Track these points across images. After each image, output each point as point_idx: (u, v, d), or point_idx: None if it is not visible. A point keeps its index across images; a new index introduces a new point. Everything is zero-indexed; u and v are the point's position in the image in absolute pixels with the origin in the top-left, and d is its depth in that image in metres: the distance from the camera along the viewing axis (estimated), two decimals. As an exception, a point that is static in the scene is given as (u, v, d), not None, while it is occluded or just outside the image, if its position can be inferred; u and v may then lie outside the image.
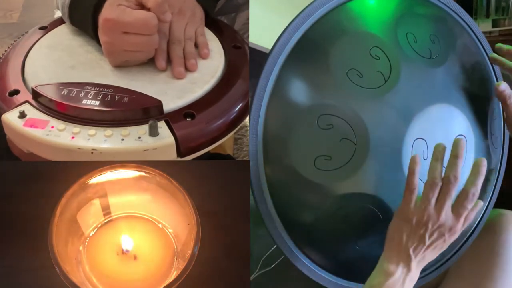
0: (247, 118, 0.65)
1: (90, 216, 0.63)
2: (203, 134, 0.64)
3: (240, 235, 0.67)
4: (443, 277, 0.79)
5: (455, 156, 0.55)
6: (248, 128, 0.61)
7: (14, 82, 0.67)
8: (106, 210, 0.64)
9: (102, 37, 0.66)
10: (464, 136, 0.65)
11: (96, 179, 0.61)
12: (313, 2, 0.63)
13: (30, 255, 0.63)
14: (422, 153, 0.62)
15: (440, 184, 0.55)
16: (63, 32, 0.76)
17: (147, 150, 0.60)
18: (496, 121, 0.72)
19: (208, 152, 0.66)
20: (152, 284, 0.60)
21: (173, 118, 0.63)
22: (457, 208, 0.56)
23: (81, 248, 0.61)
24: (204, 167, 0.71)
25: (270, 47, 0.61)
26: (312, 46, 0.62)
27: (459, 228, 0.57)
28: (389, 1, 0.66)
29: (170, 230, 0.64)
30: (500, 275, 0.71)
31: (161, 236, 0.63)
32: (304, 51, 0.61)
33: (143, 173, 0.62)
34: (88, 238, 0.62)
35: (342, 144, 0.59)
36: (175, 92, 0.66)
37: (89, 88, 0.65)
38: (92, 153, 0.59)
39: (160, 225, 0.64)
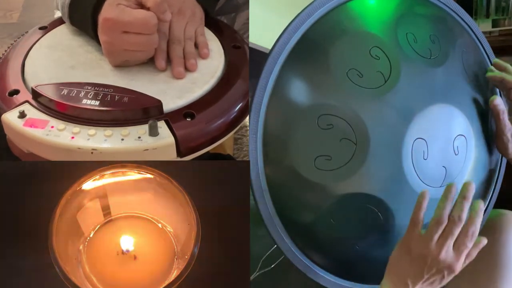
0: (247, 118, 0.65)
1: (90, 216, 0.63)
2: (203, 134, 0.64)
3: (240, 235, 0.67)
4: (443, 277, 0.79)
5: (462, 197, 0.57)
6: (248, 128, 0.61)
7: (14, 82, 0.67)
8: (106, 210, 0.64)
9: (102, 37, 0.66)
10: (464, 136, 0.65)
11: (96, 179, 0.61)
12: (313, 2, 0.63)
13: (30, 255, 0.63)
14: (422, 153, 0.62)
15: (445, 222, 0.56)
16: (63, 32, 0.76)
17: (147, 150, 0.60)
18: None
19: (208, 152, 0.66)
20: (152, 284, 0.59)
21: (173, 118, 0.63)
22: (458, 246, 0.57)
23: (81, 248, 0.61)
24: (204, 167, 0.71)
25: (270, 47, 0.61)
26: (312, 46, 0.62)
27: (459, 266, 0.58)
28: (389, 1, 0.66)
29: (170, 230, 0.64)
30: (500, 275, 0.71)
31: (161, 236, 0.63)
32: (304, 51, 0.61)
33: (143, 173, 0.62)
34: (88, 238, 0.62)
35: (342, 144, 0.59)
36: (175, 92, 0.66)
37: (89, 88, 0.65)
38: (92, 153, 0.59)
39: (160, 225, 0.64)
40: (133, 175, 0.63)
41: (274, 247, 0.78)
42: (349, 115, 0.59)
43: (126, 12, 0.63)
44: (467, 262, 0.59)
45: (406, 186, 0.61)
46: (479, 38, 0.73)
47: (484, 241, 0.58)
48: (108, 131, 0.61)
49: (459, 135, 0.65)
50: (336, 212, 0.61)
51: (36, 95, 0.64)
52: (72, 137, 0.60)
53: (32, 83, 0.65)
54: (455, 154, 0.65)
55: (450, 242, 0.57)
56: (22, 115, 0.61)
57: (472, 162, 0.67)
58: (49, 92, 0.63)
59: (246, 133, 0.97)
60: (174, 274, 0.59)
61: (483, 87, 0.70)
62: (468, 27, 0.72)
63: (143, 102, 0.64)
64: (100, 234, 0.63)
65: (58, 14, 0.79)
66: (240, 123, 0.68)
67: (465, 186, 0.57)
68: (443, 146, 0.64)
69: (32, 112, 0.62)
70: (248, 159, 0.61)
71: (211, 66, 0.71)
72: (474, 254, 0.59)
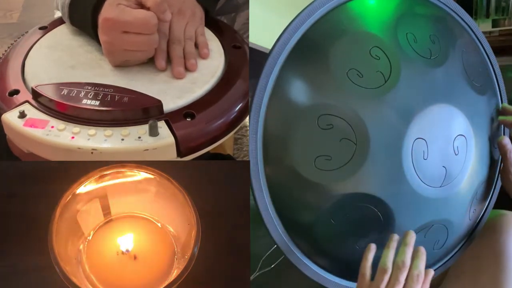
0: (247, 118, 0.65)
1: (90, 216, 0.63)
2: (203, 134, 0.64)
3: (240, 235, 0.67)
4: (443, 277, 0.79)
5: (404, 244, 0.60)
6: (248, 128, 0.61)
7: (14, 82, 0.67)
8: (106, 210, 0.64)
9: (102, 37, 0.66)
10: (464, 136, 0.65)
11: (96, 179, 0.61)
12: (313, 2, 0.63)
13: (30, 255, 0.63)
14: (422, 153, 0.62)
15: (390, 270, 0.59)
16: (63, 32, 0.76)
17: (147, 150, 0.60)
18: (496, 121, 0.72)
19: (208, 152, 0.66)
20: (152, 284, 0.59)
21: (173, 118, 0.63)
22: None
23: (81, 248, 0.61)
24: (204, 167, 0.71)
25: (270, 47, 0.61)
26: (312, 46, 0.62)
27: None
28: (389, 1, 0.66)
29: (170, 230, 0.64)
30: (500, 275, 0.71)
31: (161, 236, 0.63)
32: (304, 51, 0.61)
33: (143, 173, 0.62)
34: (88, 238, 0.62)
35: (342, 144, 0.59)
36: (175, 92, 0.66)
37: (89, 88, 0.65)
38: (92, 153, 0.59)
39: (160, 225, 0.64)
40: (133, 175, 0.63)
41: (274, 247, 0.79)
42: (349, 115, 0.59)
43: (126, 12, 0.63)
44: None
45: (406, 186, 0.61)
46: (479, 38, 0.73)
47: (432, 272, 0.61)
48: (108, 131, 0.61)
49: (459, 135, 0.65)
50: (336, 212, 0.61)
51: (36, 95, 0.64)
52: (72, 137, 0.60)
53: (32, 83, 0.65)
54: (455, 154, 0.65)
55: (397, 287, 0.58)
56: (22, 115, 0.61)
57: (472, 162, 0.67)
58: (49, 92, 0.63)
59: (246, 133, 0.97)
60: (174, 274, 0.59)
61: (483, 87, 0.70)
62: (468, 27, 0.72)
63: (143, 102, 0.64)
64: (100, 234, 0.63)
65: (58, 14, 0.79)
66: (240, 123, 0.68)
67: (407, 233, 0.61)
68: (443, 146, 0.64)
69: (32, 112, 0.62)
70: (248, 159, 0.61)
71: (211, 66, 0.71)
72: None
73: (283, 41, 0.61)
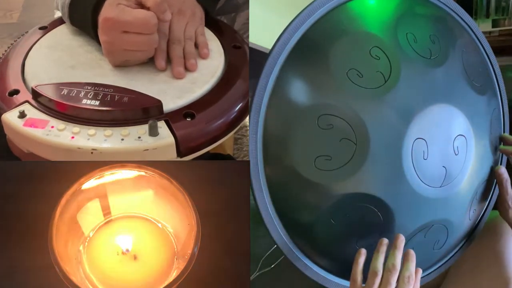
0: (247, 118, 0.65)
1: (90, 216, 0.63)
2: (203, 134, 0.64)
3: (240, 235, 0.67)
4: (443, 277, 0.79)
5: (394, 247, 0.61)
6: (248, 128, 0.61)
7: (14, 82, 0.67)
8: (106, 210, 0.64)
9: (102, 37, 0.66)
10: (464, 136, 0.65)
11: (96, 179, 0.61)
12: (313, 2, 0.63)
13: (30, 255, 0.63)
14: (422, 153, 0.62)
15: (381, 273, 0.59)
16: (63, 32, 0.76)
17: (147, 150, 0.60)
18: (496, 121, 0.72)
19: (208, 152, 0.66)
20: (152, 284, 0.60)
21: (173, 118, 0.63)
22: None
23: (81, 248, 0.61)
24: (204, 167, 0.71)
25: (270, 47, 0.61)
26: (312, 46, 0.62)
27: None
28: (389, 1, 0.66)
29: (170, 230, 0.64)
30: (500, 275, 0.71)
31: (161, 236, 0.63)
32: (304, 51, 0.61)
33: (143, 173, 0.62)
34: (88, 238, 0.62)
35: (342, 144, 0.59)
36: (175, 92, 0.66)
37: (89, 88, 0.65)
38: (92, 153, 0.59)
39: (160, 225, 0.64)
40: (133, 175, 0.63)
41: (274, 247, 0.79)
42: (349, 115, 0.59)
43: (126, 12, 0.63)
44: None
45: (406, 186, 0.61)
46: (479, 38, 0.73)
47: (420, 271, 0.62)
48: (108, 131, 0.61)
49: (459, 135, 0.65)
50: (336, 212, 0.61)
51: (36, 95, 0.64)
52: (72, 137, 0.60)
53: (32, 83, 0.65)
54: (455, 154, 0.65)
55: None
56: (22, 115, 0.61)
57: (472, 162, 0.67)
58: (49, 92, 0.63)
59: (246, 133, 0.97)
60: (174, 274, 0.59)
61: (483, 87, 0.70)
62: (468, 27, 0.72)
63: (143, 102, 0.64)
64: (100, 234, 0.63)
65: (58, 14, 0.79)
66: (240, 123, 0.68)
67: (397, 237, 0.61)
68: (443, 146, 0.64)
69: (32, 112, 0.62)
70: (248, 159, 0.61)
71: (211, 66, 0.71)
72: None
73: (283, 41, 0.61)
